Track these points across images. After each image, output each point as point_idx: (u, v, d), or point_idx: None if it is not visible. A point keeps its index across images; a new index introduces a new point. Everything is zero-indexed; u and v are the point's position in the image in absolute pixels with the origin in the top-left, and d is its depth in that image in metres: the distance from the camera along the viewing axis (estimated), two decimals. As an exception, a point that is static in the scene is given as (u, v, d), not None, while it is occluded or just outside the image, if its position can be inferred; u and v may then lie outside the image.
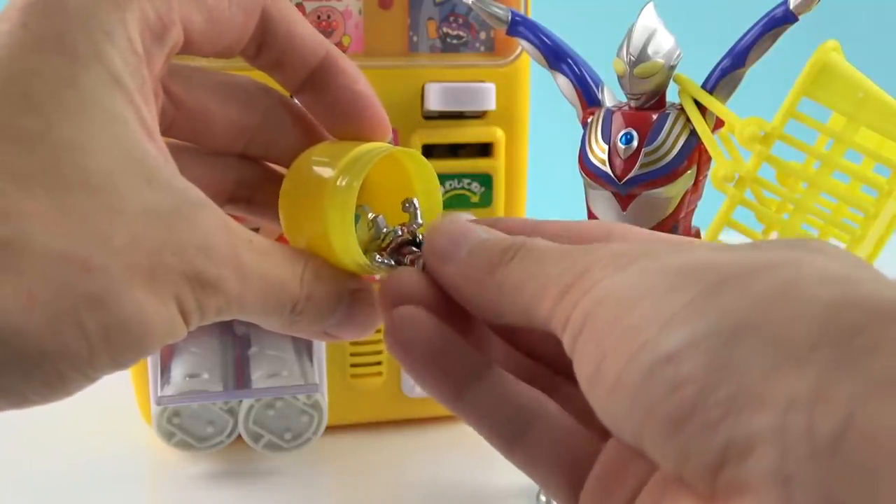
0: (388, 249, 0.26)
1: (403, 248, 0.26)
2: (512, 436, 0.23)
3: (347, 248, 0.25)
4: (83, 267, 0.18)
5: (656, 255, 0.19)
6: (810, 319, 0.16)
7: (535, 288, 0.21)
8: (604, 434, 0.22)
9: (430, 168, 0.27)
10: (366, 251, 0.25)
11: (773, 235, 0.40)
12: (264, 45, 0.25)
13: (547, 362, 0.26)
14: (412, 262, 0.25)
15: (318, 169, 0.26)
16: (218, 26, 0.24)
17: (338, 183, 0.24)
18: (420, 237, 0.26)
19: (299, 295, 0.24)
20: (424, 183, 0.27)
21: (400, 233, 0.26)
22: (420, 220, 0.27)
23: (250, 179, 0.28)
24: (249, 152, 0.28)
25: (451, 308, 0.24)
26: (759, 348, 0.16)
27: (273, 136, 0.27)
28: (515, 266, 0.21)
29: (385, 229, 0.26)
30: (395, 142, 0.46)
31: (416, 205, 0.27)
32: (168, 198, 0.20)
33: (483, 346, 0.26)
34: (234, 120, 0.27)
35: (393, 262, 0.26)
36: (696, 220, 0.42)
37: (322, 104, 0.27)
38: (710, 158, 0.39)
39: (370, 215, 0.26)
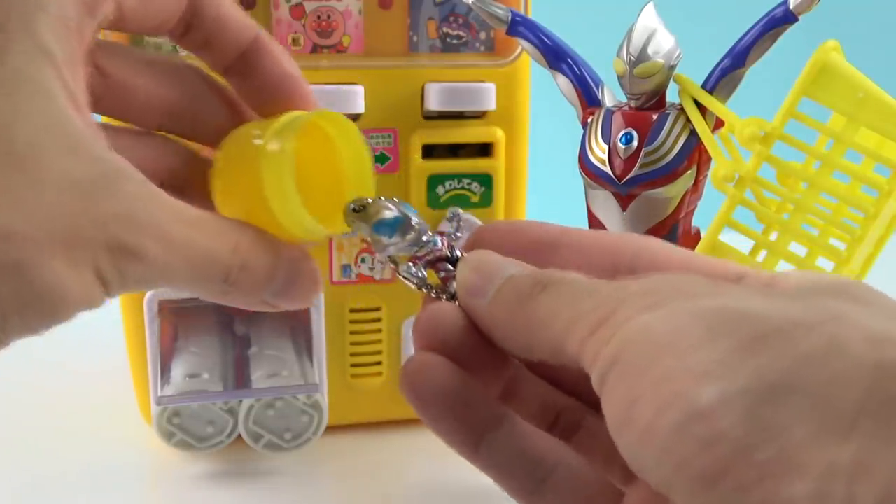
0: (424, 261, 0.26)
1: (438, 263, 0.26)
2: (531, 488, 0.23)
3: (290, 212, 0.24)
4: (3, 236, 0.19)
5: (690, 296, 0.19)
6: (853, 386, 0.16)
7: (564, 323, 0.20)
8: (625, 476, 0.22)
9: (358, 133, 0.26)
10: (396, 262, 0.26)
11: (773, 235, 0.40)
12: (192, 25, 0.26)
13: (577, 394, 0.26)
14: (444, 281, 0.25)
15: (251, 140, 0.26)
16: (150, 5, 0.24)
17: (270, 147, 0.24)
18: (458, 254, 0.25)
19: (231, 265, 0.23)
20: (352, 150, 0.27)
21: (440, 245, 0.26)
22: (460, 233, 0.26)
23: (181, 165, 0.28)
24: (176, 131, 0.28)
25: (483, 343, 0.23)
26: (800, 411, 0.16)
27: (201, 116, 0.28)
28: (544, 300, 0.21)
29: (425, 237, 0.26)
30: (396, 142, 0.46)
31: (461, 215, 0.26)
32: (91, 168, 0.21)
33: (512, 382, 0.25)
34: (159, 95, 0.27)
35: (423, 275, 0.25)
36: (696, 220, 0.42)
37: (250, 86, 0.27)
38: (710, 158, 0.39)
39: (413, 220, 0.26)
